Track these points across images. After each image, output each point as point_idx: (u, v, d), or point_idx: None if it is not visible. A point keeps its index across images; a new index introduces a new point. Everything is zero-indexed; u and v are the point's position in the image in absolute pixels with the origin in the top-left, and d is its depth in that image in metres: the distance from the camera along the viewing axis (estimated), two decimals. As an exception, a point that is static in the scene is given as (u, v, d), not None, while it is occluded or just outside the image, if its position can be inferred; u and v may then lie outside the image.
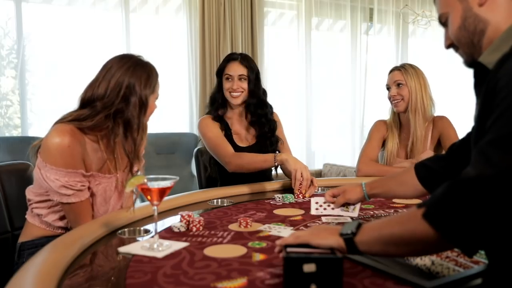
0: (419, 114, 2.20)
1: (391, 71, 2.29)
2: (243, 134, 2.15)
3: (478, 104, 0.87)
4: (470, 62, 0.96)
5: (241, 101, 2.09)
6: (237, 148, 2.06)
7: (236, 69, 2.06)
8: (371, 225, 0.89)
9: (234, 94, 2.06)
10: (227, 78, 2.08)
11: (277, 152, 1.87)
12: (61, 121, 1.41)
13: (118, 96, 1.41)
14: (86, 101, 1.43)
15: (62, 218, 1.49)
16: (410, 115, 2.21)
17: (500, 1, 0.90)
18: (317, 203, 1.47)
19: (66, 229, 1.50)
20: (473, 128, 0.89)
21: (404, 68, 2.24)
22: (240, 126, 2.16)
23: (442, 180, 0.80)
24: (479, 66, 0.90)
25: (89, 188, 1.45)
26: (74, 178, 1.38)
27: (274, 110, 2.22)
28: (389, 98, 2.27)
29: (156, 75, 1.51)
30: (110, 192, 1.52)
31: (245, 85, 2.07)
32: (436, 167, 1.24)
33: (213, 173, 2.21)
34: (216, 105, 2.13)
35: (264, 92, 2.17)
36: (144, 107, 1.44)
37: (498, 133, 0.73)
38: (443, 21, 0.99)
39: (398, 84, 2.21)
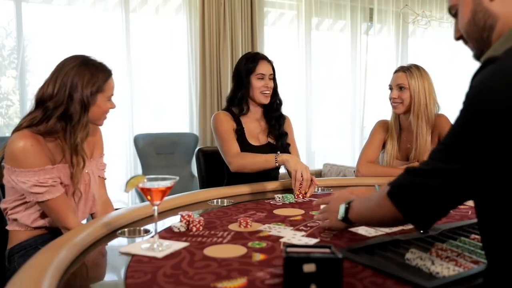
0: (422, 119, 2.15)
1: (396, 71, 2.23)
2: (257, 132, 2.15)
3: None
4: (479, 56, 0.93)
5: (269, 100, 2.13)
6: (249, 146, 2.06)
7: (267, 69, 2.09)
8: (356, 208, 1.11)
9: (267, 92, 2.08)
10: (260, 78, 2.08)
11: (278, 153, 1.88)
12: (18, 129, 1.45)
13: (65, 95, 1.45)
14: (39, 101, 1.47)
15: (38, 218, 1.52)
16: (412, 120, 2.17)
17: None
18: None
19: (46, 228, 1.53)
20: None
21: (409, 71, 2.17)
22: (256, 124, 2.16)
23: None
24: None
25: (61, 183, 1.48)
26: (44, 176, 1.42)
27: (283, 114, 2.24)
28: (390, 99, 2.23)
29: (104, 74, 1.52)
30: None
31: (272, 83, 2.11)
32: None
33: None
34: (240, 105, 2.12)
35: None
36: (85, 106, 1.47)
37: (442, 141, 0.85)
38: (453, 13, 0.97)
39: (401, 88, 2.17)
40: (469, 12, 0.91)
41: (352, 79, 4.84)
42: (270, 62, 2.13)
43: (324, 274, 0.81)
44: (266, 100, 2.10)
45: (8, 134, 3.53)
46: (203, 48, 3.95)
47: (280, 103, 2.20)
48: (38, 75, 3.57)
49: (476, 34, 0.91)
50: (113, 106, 1.58)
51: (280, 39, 4.58)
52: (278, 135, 2.15)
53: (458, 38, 0.98)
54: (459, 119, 0.82)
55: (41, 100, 1.47)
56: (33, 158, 1.41)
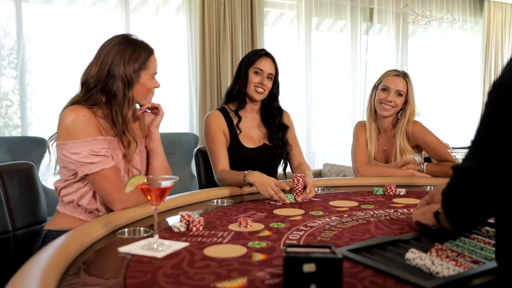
0: (408, 126, 2.20)
1: (394, 75, 2.23)
2: (252, 133, 2.11)
3: None
4: None
5: (262, 98, 2.08)
6: (242, 149, 2.04)
7: (268, 67, 2.05)
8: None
9: (259, 89, 2.03)
10: (256, 72, 2.03)
11: (246, 172, 1.81)
12: (65, 108, 1.48)
13: (106, 73, 1.47)
14: (83, 83, 1.50)
15: (92, 199, 1.51)
16: (403, 126, 2.20)
17: None
18: None
19: (97, 214, 1.52)
20: None
21: (408, 79, 2.22)
22: (253, 124, 2.13)
23: None
24: None
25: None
26: (97, 145, 1.43)
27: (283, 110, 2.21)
28: (379, 100, 2.22)
29: (147, 51, 1.55)
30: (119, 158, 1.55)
31: (270, 84, 2.06)
32: None
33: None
34: (238, 99, 2.07)
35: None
36: (128, 83, 1.48)
37: (474, 137, 0.87)
38: None
39: (399, 94, 2.19)
40: None
41: (352, 79, 4.84)
42: (274, 62, 2.08)
43: (324, 274, 0.81)
44: (257, 97, 2.04)
45: (7, 134, 3.52)
46: (203, 48, 3.96)
47: (279, 112, 2.15)
48: (38, 75, 3.57)
49: None
50: (157, 85, 1.59)
51: (280, 39, 4.58)
52: (277, 146, 2.10)
53: None
54: (486, 112, 0.82)
55: (85, 81, 1.49)
56: (85, 128, 1.42)
